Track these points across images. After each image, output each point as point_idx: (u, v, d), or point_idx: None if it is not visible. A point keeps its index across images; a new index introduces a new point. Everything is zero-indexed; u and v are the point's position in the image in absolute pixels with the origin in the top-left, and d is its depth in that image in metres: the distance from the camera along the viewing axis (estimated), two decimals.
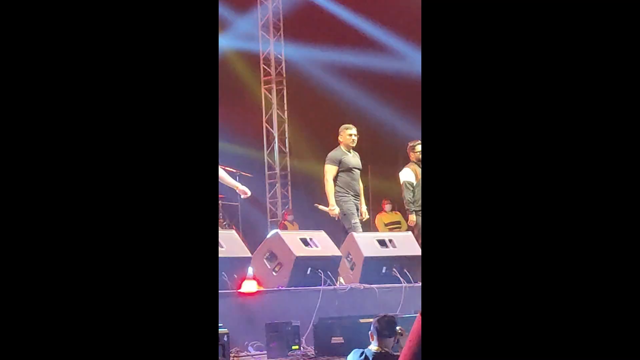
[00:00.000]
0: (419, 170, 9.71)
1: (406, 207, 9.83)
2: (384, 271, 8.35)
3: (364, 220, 9.64)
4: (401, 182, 9.77)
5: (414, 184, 9.69)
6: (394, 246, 8.59)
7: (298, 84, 16.38)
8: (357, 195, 9.50)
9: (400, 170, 9.90)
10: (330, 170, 9.43)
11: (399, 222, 14.02)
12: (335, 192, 9.41)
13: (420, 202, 9.59)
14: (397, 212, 14.21)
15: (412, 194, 9.68)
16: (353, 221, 9.33)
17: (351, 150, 9.54)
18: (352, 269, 8.41)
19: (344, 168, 9.43)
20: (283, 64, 16.66)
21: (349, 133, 9.51)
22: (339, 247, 8.45)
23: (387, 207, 14.39)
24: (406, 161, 9.98)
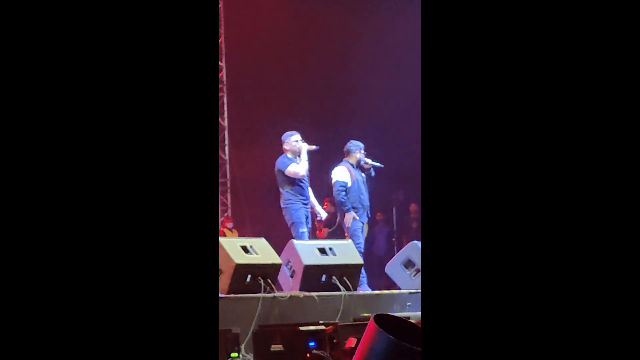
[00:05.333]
0: (354, 172, 9.79)
1: (341, 206, 9.88)
2: (323, 279, 8.37)
3: (323, 219, 9.53)
4: (333, 181, 9.84)
5: (348, 185, 9.77)
6: (334, 254, 8.61)
7: (239, 91, 16.34)
8: (306, 202, 9.51)
9: (334, 169, 9.95)
10: (292, 166, 9.37)
11: None
12: (283, 199, 9.44)
13: (354, 201, 9.69)
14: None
15: (345, 195, 9.76)
16: (300, 230, 9.37)
17: (297, 157, 9.49)
18: (292, 276, 8.41)
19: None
20: (224, 71, 16.57)
21: (294, 139, 9.52)
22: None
23: None
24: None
